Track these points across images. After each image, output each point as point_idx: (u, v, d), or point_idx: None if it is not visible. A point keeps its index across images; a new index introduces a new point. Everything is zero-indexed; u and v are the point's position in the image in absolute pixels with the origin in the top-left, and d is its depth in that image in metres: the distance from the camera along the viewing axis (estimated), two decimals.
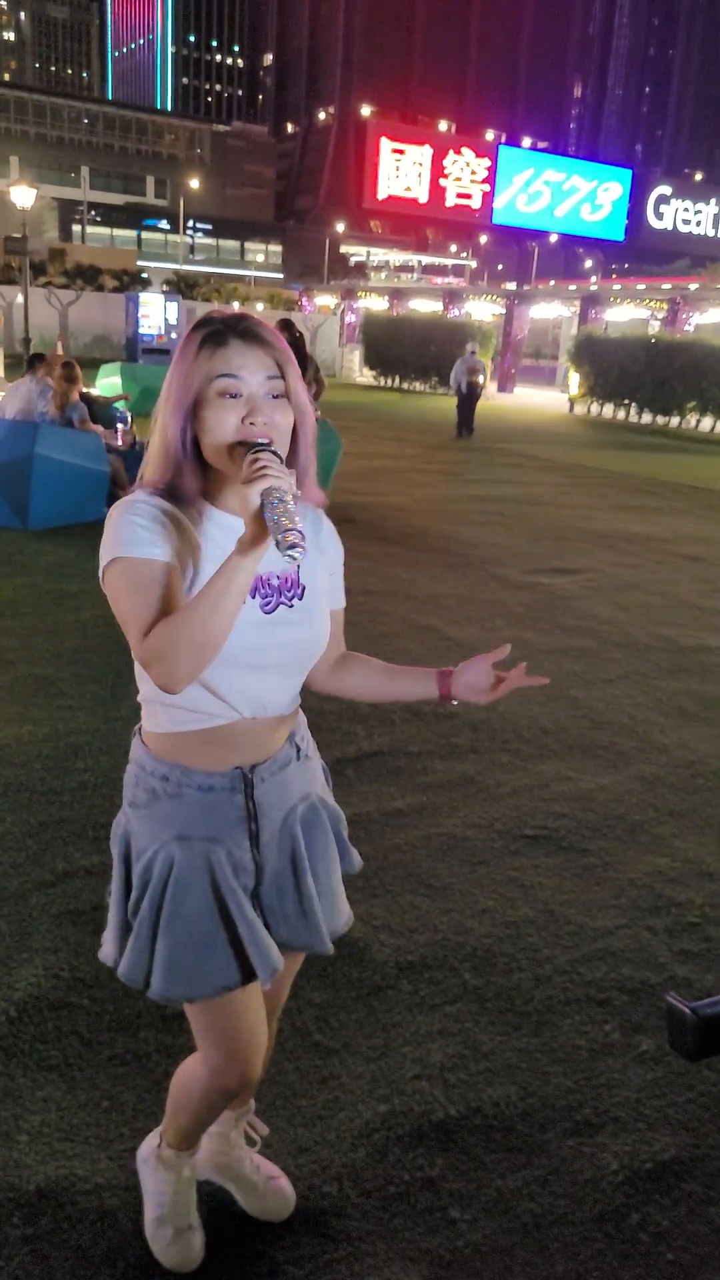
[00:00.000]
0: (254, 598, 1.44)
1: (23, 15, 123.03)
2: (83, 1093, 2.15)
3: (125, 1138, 2.03)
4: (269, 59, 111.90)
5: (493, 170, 71.10)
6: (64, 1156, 1.98)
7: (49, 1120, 2.06)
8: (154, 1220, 1.80)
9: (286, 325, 7.11)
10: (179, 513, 1.40)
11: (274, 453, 1.33)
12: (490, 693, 1.57)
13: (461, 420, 17.20)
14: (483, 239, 74.24)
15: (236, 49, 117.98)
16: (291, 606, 1.48)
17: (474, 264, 66.46)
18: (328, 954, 1.63)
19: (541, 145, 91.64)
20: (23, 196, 22.95)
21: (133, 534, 1.36)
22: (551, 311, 32.31)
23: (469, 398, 17.03)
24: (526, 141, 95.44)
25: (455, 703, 1.60)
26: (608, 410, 25.19)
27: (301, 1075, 2.23)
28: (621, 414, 24.88)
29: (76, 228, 66.05)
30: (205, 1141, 1.90)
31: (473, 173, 76.82)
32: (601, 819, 3.53)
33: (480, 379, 17.10)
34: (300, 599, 1.49)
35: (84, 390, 8.46)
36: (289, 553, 1.25)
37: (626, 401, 24.60)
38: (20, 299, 24.07)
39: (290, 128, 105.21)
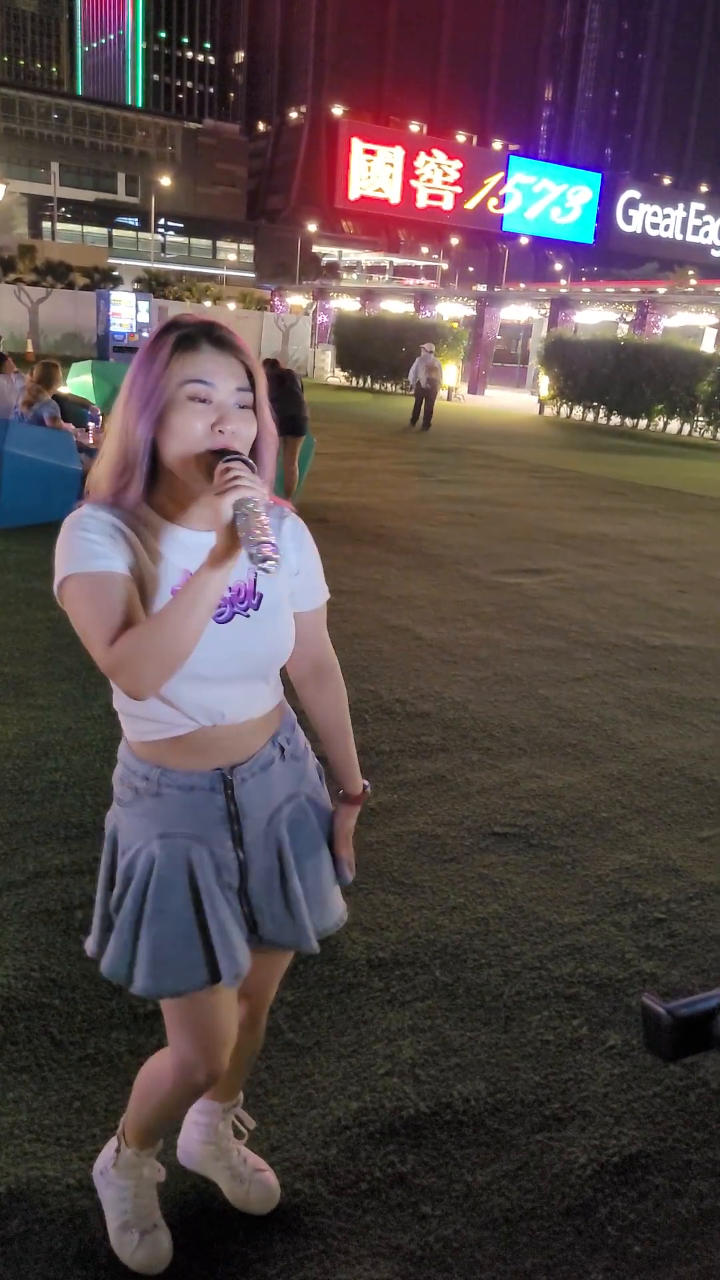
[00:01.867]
0: None
1: None
2: (54, 1094, 2.14)
3: (97, 1138, 2.02)
4: (241, 57, 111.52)
5: (463, 172, 71.35)
6: (35, 1158, 1.97)
7: (19, 1121, 2.06)
8: (118, 1228, 1.79)
9: (271, 365, 7.13)
10: (127, 526, 1.38)
11: (246, 463, 1.32)
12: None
13: (416, 413, 18.53)
14: (454, 240, 74.51)
15: (208, 46, 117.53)
16: (247, 616, 1.47)
17: (445, 265, 66.67)
18: (313, 953, 1.64)
19: (513, 148, 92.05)
20: None
21: (84, 548, 1.34)
22: (522, 313, 32.50)
23: (426, 393, 18.36)
24: (498, 144, 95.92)
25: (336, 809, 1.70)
26: (577, 412, 25.38)
27: (273, 1073, 2.23)
28: (590, 416, 25.08)
29: (46, 224, 65.53)
30: (193, 1131, 1.91)
31: (444, 174, 77.08)
32: (570, 816, 3.57)
33: (436, 376, 18.56)
34: (256, 608, 1.48)
35: (58, 390, 8.40)
36: (262, 565, 1.25)
37: (595, 404, 24.80)
38: None
39: (262, 126, 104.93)
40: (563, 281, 55.18)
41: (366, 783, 1.73)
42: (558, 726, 4.41)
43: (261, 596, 1.49)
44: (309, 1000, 2.48)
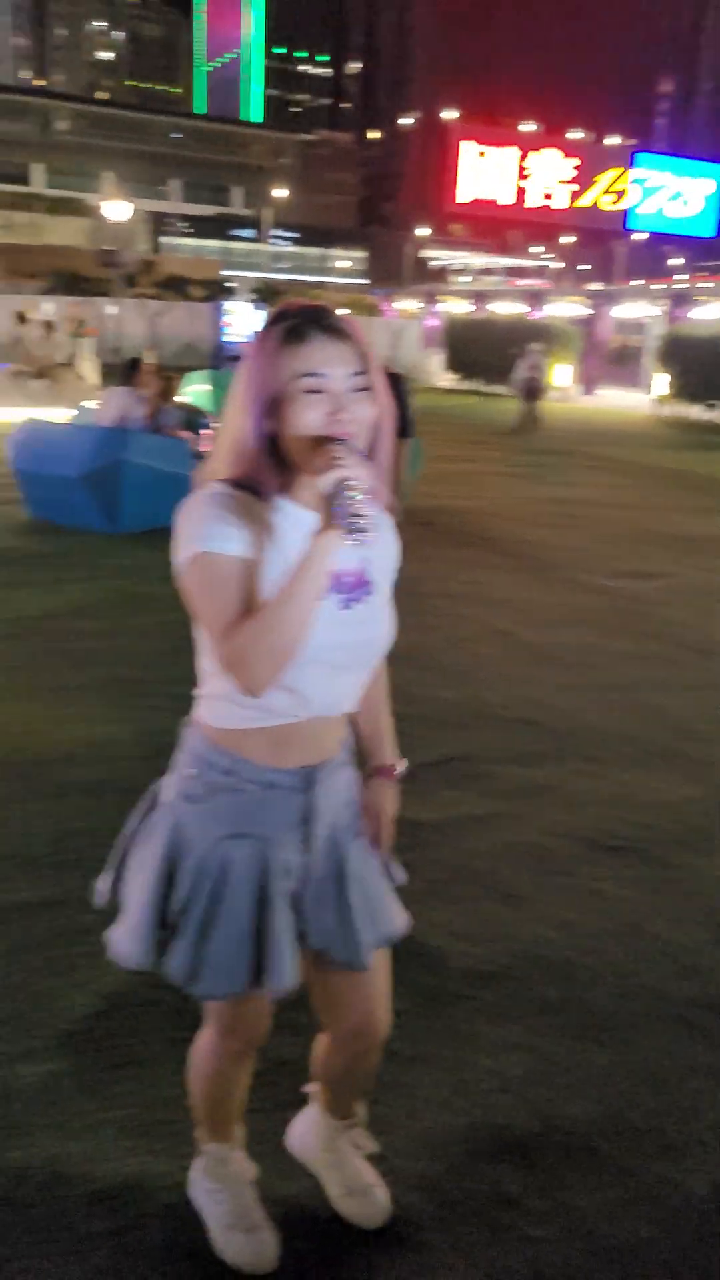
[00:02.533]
0: (333, 595, 1.42)
1: (118, 34, 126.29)
2: (165, 1089, 2.17)
3: (197, 1141, 2.04)
4: (355, 67, 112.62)
5: (581, 169, 70.15)
6: (146, 1152, 2.01)
7: (132, 1115, 2.10)
8: (221, 1230, 1.79)
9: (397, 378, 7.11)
10: (254, 505, 1.38)
11: (355, 449, 1.32)
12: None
13: (524, 414, 17.92)
14: (567, 239, 73.36)
15: (323, 59, 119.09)
16: (365, 604, 1.47)
17: (558, 265, 65.72)
18: (364, 970, 1.60)
19: (630, 143, 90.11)
20: (116, 211, 23.54)
21: (212, 527, 1.34)
22: (638, 311, 31.70)
23: (527, 393, 17.84)
24: (613, 139, 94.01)
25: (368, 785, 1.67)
26: (695, 412, 24.59)
27: (378, 1083, 2.21)
28: (710, 416, 24.25)
29: (165, 239, 67.51)
30: (310, 1132, 1.91)
31: (559, 172, 75.97)
32: (686, 831, 3.44)
33: (537, 375, 17.89)
34: (370, 595, 1.48)
35: (175, 399, 8.62)
36: (353, 537, 1.25)
37: (714, 402, 23.97)
38: (113, 310, 24.68)
39: (375, 134, 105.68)
40: (680, 277, 53.63)
41: (404, 761, 1.69)
42: (672, 736, 4.27)
43: (373, 584, 1.49)
44: (413, 1010, 2.45)
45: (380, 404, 1.39)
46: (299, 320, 1.35)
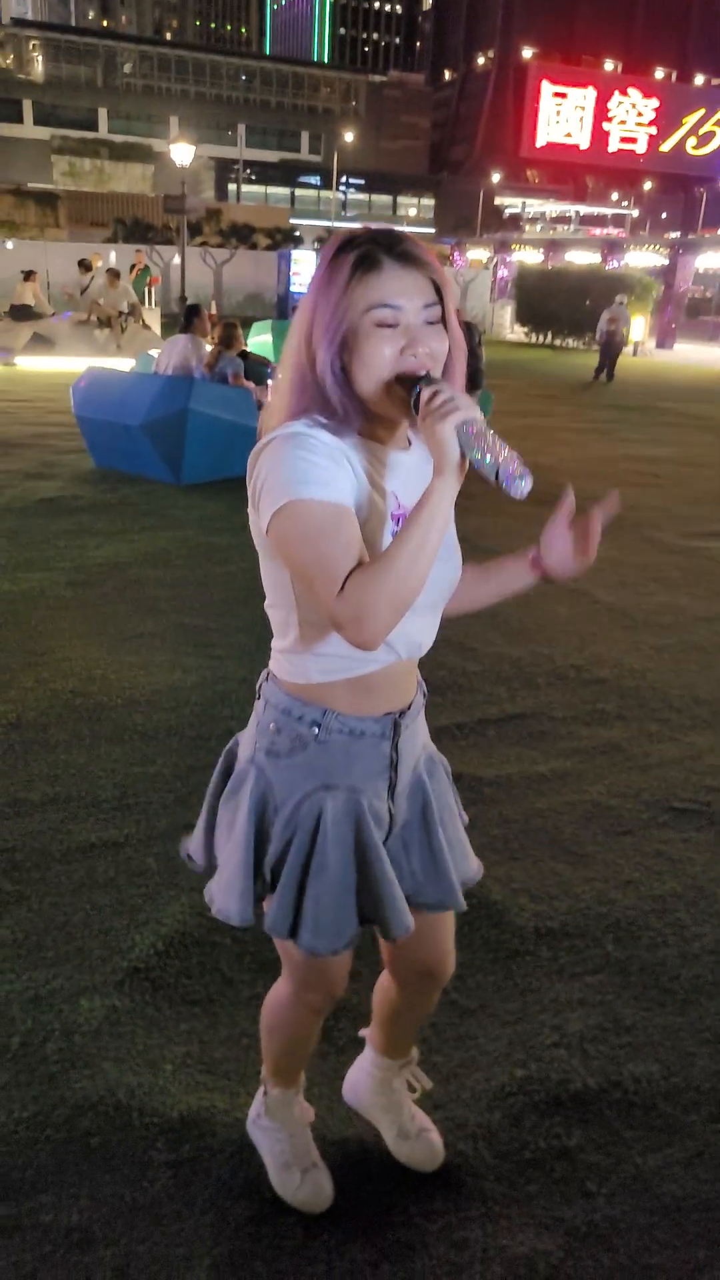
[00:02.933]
0: None
1: None
2: (223, 1029, 2.21)
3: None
4: (428, 3, 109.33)
5: (660, 111, 67.52)
6: (205, 1089, 2.04)
7: (191, 1052, 2.13)
8: (280, 1168, 1.81)
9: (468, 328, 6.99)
10: (346, 447, 1.31)
11: (444, 385, 1.25)
12: (581, 556, 1.49)
13: (599, 367, 18.21)
14: (646, 185, 70.84)
15: None
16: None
17: (636, 213, 63.59)
18: (460, 910, 1.60)
19: (716, 82, 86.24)
20: (182, 154, 23.32)
21: (308, 471, 1.24)
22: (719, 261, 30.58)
23: (608, 346, 18.06)
24: (700, 79, 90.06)
25: (549, 580, 1.53)
26: None
27: (437, 1032, 2.22)
28: None
29: (232, 187, 66.90)
30: (364, 1080, 1.92)
31: (639, 115, 73.18)
32: None
33: (614, 328, 18.09)
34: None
35: (243, 350, 8.55)
36: (520, 483, 1.18)
37: None
38: (177, 259, 24.57)
39: (448, 75, 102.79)
40: None
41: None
42: None
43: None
44: (474, 963, 2.45)
45: (452, 336, 1.32)
46: (370, 246, 1.26)
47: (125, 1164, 1.87)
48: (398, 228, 1.34)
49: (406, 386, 1.26)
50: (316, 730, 1.44)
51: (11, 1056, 2.10)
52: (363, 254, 1.25)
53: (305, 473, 1.24)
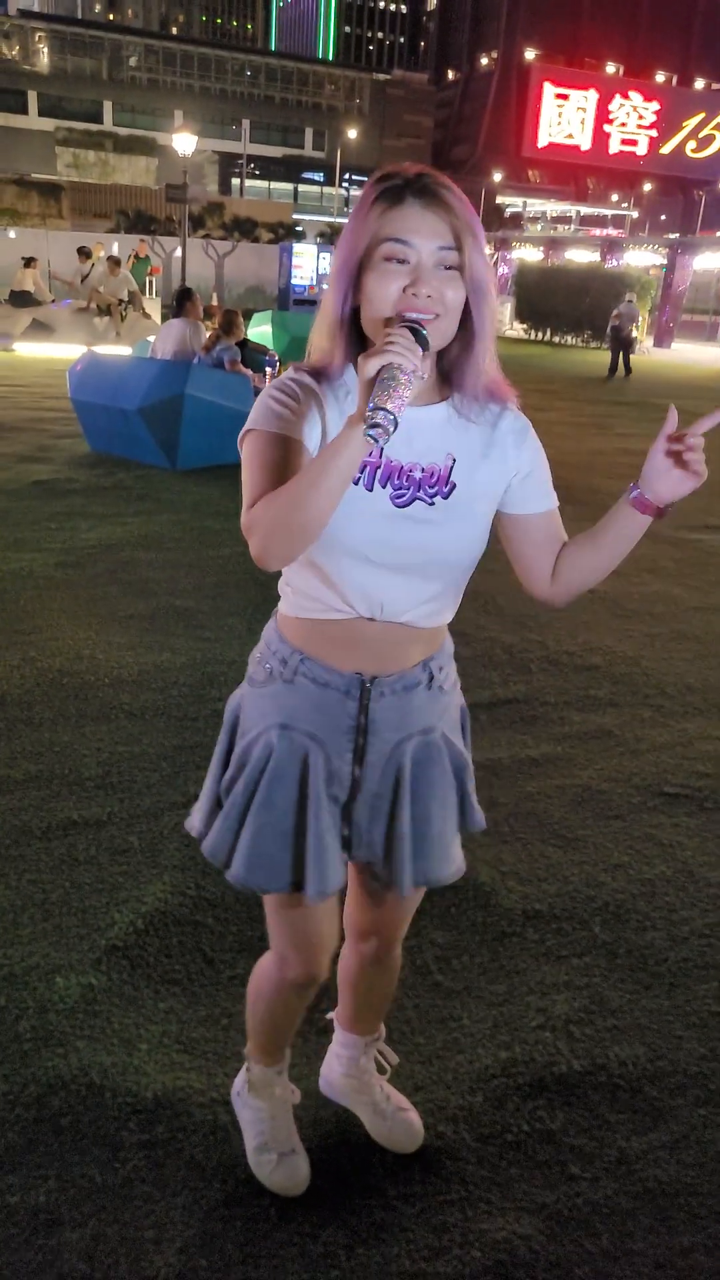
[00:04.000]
0: (384, 487, 1.32)
1: None
2: (203, 1008, 2.16)
3: (241, 1056, 2.01)
4: (433, 3, 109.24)
5: (661, 114, 67.57)
6: (181, 1068, 1.99)
7: (169, 1031, 2.08)
8: (256, 1148, 1.78)
9: None
10: (323, 390, 1.32)
11: (419, 333, 1.19)
12: (691, 473, 1.30)
13: (613, 364, 18.66)
14: (646, 187, 70.84)
15: None
16: (431, 504, 1.33)
17: (635, 214, 63.55)
18: (403, 895, 1.54)
19: (718, 86, 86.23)
20: (184, 144, 23.26)
21: (266, 410, 1.31)
22: (717, 261, 30.55)
23: (616, 342, 18.59)
24: (700, 83, 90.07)
25: (671, 510, 1.34)
26: None
27: (420, 1013, 2.17)
28: None
29: (235, 181, 66.75)
30: (335, 1063, 1.88)
31: (640, 117, 73.18)
32: None
33: (618, 324, 18.69)
34: (444, 498, 1.34)
35: (243, 338, 8.49)
36: (369, 433, 1.13)
37: None
38: (179, 252, 24.49)
39: (451, 75, 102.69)
40: None
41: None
42: None
43: (455, 486, 1.35)
44: (460, 944, 2.40)
45: (475, 286, 1.25)
46: (398, 183, 1.23)
47: (96, 1144, 1.81)
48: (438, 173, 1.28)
49: (406, 326, 1.21)
50: (284, 668, 1.45)
51: None
52: (388, 188, 1.24)
53: (268, 408, 1.31)
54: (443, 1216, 1.71)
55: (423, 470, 1.34)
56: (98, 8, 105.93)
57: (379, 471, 1.32)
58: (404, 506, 1.33)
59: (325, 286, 1.33)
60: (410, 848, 1.50)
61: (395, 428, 1.14)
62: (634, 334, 19.02)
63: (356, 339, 1.31)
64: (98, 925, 2.39)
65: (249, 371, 7.97)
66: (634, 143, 73.98)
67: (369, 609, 1.38)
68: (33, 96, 70.05)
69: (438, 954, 2.36)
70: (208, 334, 8.23)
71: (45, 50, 74.56)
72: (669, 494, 1.31)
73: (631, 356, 18.99)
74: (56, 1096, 1.90)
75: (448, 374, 1.35)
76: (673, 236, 38.54)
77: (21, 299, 15.42)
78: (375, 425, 1.13)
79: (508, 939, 2.43)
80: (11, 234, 26.82)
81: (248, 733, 1.49)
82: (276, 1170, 1.75)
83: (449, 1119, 1.91)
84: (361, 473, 1.31)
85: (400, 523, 1.33)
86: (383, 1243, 1.66)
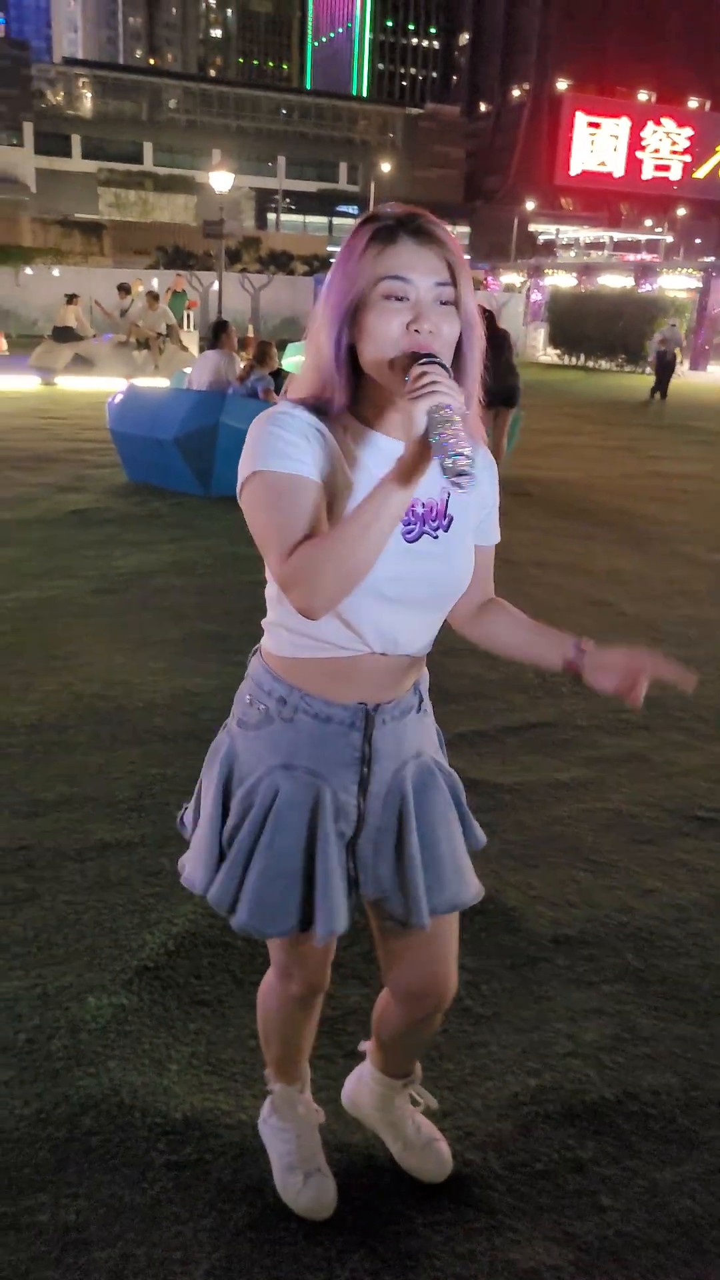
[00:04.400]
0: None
1: (229, 12, 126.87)
2: (232, 1030, 2.16)
3: (267, 1080, 2.02)
4: (465, 39, 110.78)
5: (694, 139, 67.65)
6: (210, 1089, 1.99)
7: (198, 1052, 2.09)
8: (284, 1169, 1.77)
9: (488, 319, 6.99)
10: (326, 429, 1.30)
11: (443, 366, 1.21)
12: (628, 691, 1.38)
13: (656, 386, 18.82)
14: (680, 212, 70.86)
15: (433, 30, 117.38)
16: (435, 537, 1.37)
17: (669, 238, 63.57)
18: (423, 927, 1.50)
19: None
20: (221, 181, 23.72)
21: (274, 446, 1.26)
22: None
23: (661, 366, 18.77)
24: None
25: (579, 681, 1.43)
26: None
27: (449, 1038, 2.16)
28: None
29: (271, 216, 67.84)
30: (365, 1095, 1.85)
31: (673, 143, 73.39)
32: None
33: (664, 348, 18.91)
34: (445, 530, 1.38)
35: (277, 368, 8.60)
36: (456, 480, 1.14)
37: None
38: (216, 285, 24.90)
39: (483, 107, 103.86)
40: None
41: (589, 641, 1.45)
42: None
43: (452, 520, 1.39)
44: (488, 969, 2.39)
45: (468, 321, 1.29)
46: (389, 223, 1.26)
47: (125, 1164, 1.82)
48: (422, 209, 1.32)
49: (410, 363, 1.24)
50: (283, 708, 1.42)
51: (16, 1053, 2.07)
52: (380, 228, 1.26)
53: (271, 446, 1.26)
54: (470, 1245, 1.69)
55: (424, 505, 1.36)
56: (139, 53, 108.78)
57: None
58: (413, 542, 1.35)
59: (314, 326, 1.31)
60: (423, 875, 1.49)
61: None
62: (678, 357, 19.45)
63: (355, 380, 1.31)
64: (129, 946, 2.41)
65: (282, 398, 8.07)
66: (667, 168, 74.15)
67: (383, 645, 1.39)
68: (76, 140, 71.99)
69: (466, 979, 2.34)
70: (242, 365, 8.36)
71: (88, 95, 76.70)
72: (596, 685, 1.41)
73: (670, 379, 19.17)
74: (87, 1116, 1.91)
75: None
76: (708, 260, 38.44)
77: (64, 334, 15.76)
78: (463, 473, 1.14)
79: (537, 964, 2.41)
80: (55, 272, 27.48)
81: (246, 778, 1.46)
82: (304, 1191, 1.74)
83: (477, 1146, 1.89)
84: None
85: (411, 558, 1.35)
86: (409, 1270, 1.65)
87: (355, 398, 1.32)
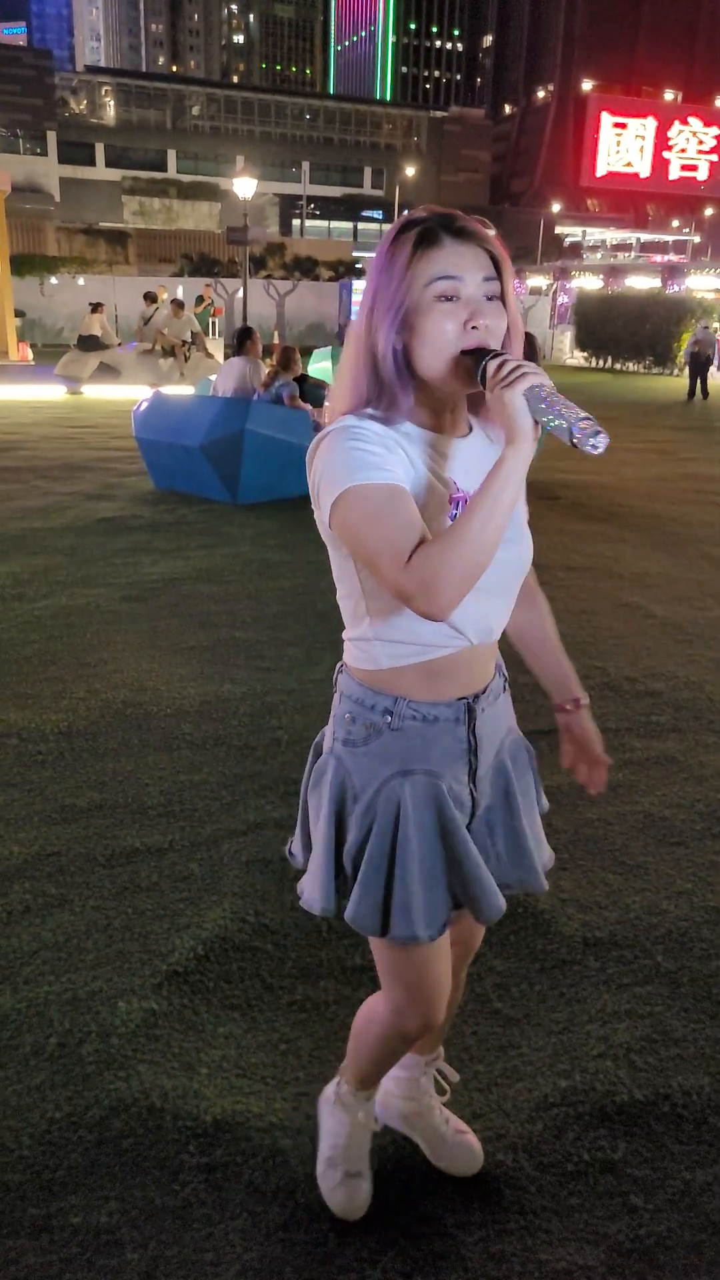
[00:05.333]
0: None
1: (251, 17, 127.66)
2: (261, 1034, 2.17)
3: (300, 1081, 2.03)
4: (488, 40, 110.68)
5: None
6: (240, 1093, 2.00)
7: (228, 1056, 2.10)
8: (325, 1160, 1.78)
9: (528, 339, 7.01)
10: (398, 435, 1.31)
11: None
12: (582, 772, 1.66)
13: (691, 388, 19.50)
14: (708, 212, 70.31)
15: (456, 33, 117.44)
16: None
17: (697, 239, 63.06)
18: (543, 891, 1.59)
19: None
20: (244, 188, 23.86)
21: (361, 459, 1.25)
22: None
23: (695, 367, 19.43)
24: None
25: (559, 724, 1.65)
26: None
27: (479, 1040, 2.15)
28: None
29: (296, 222, 68.16)
30: (393, 1086, 1.86)
31: (700, 142, 72.88)
32: None
33: (698, 350, 19.64)
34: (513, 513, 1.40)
35: (302, 374, 8.64)
36: (594, 443, 1.16)
37: None
38: (241, 292, 25.07)
39: (508, 109, 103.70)
40: None
41: (586, 695, 1.66)
42: None
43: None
44: (519, 972, 2.38)
45: (512, 313, 1.32)
46: (429, 224, 1.27)
47: (156, 1167, 1.83)
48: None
49: (473, 359, 1.26)
50: (389, 718, 1.43)
51: (48, 1057, 2.09)
52: (423, 231, 1.27)
53: (359, 459, 1.26)
54: (502, 1246, 1.69)
55: None
56: (161, 60, 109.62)
57: (461, 503, 1.35)
58: None
59: (358, 338, 1.32)
60: (533, 839, 1.56)
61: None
62: (712, 358, 19.91)
63: (411, 382, 1.31)
64: (159, 951, 2.42)
65: (308, 406, 8.10)
66: (694, 168, 73.60)
67: (480, 635, 1.41)
68: (100, 148, 72.70)
69: (497, 981, 2.34)
70: (266, 371, 8.40)
71: (112, 104, 77.43)
72: (562, 746, 1.68)
73: (707, 379, 19.73)
74: (118, 1119, 1.93)
75: (475, 400, 1.40)
76: None
77: (89, 343, 15.92)
78: (598, 433, 1.16)
79: (568, 966, 2.40)
80: (80, 281, 27.76)
81: (362, 794, 1.45)
82: (339, 1188, 1.75)
83: (508, 1147, 1.89)
84: (455, 508, 1.35)
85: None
86: (441, 1271, 1.65)
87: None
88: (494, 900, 1.47)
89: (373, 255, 1.35)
